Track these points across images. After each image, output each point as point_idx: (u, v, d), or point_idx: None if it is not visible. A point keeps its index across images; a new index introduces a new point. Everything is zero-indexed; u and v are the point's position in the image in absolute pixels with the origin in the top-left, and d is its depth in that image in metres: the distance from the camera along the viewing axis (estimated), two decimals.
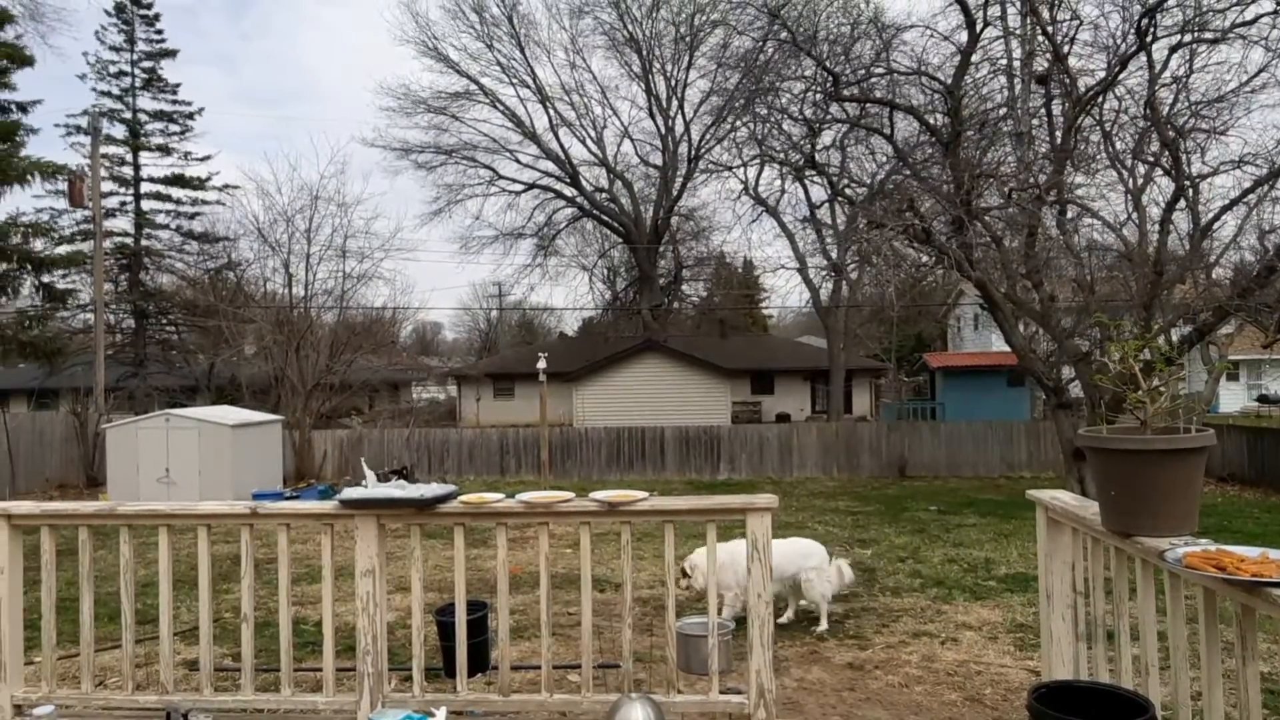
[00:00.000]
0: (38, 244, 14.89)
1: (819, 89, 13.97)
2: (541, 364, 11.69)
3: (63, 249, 21.74)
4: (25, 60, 12.68)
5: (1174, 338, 14.96)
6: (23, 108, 13.10)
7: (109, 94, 29.70)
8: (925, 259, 17.23)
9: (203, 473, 16.48)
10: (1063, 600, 3.13)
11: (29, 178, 12.41)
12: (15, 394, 32.64)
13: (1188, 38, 13.36)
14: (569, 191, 35.21)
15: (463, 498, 3.38)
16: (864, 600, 7.64)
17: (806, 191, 25.38)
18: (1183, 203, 14.02)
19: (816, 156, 17.56)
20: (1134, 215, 14.64)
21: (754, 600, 3.26)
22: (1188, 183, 13.99)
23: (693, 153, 32.95)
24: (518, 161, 34.85)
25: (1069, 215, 15.42)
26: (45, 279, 15.10)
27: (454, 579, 3.50)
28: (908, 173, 15.25)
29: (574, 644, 5.71)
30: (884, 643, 6.27)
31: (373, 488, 3.37)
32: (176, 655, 3.75)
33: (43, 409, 26.81)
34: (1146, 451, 2.42)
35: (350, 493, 3.31)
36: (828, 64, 13.19)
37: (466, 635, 3.62)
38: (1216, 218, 13.74)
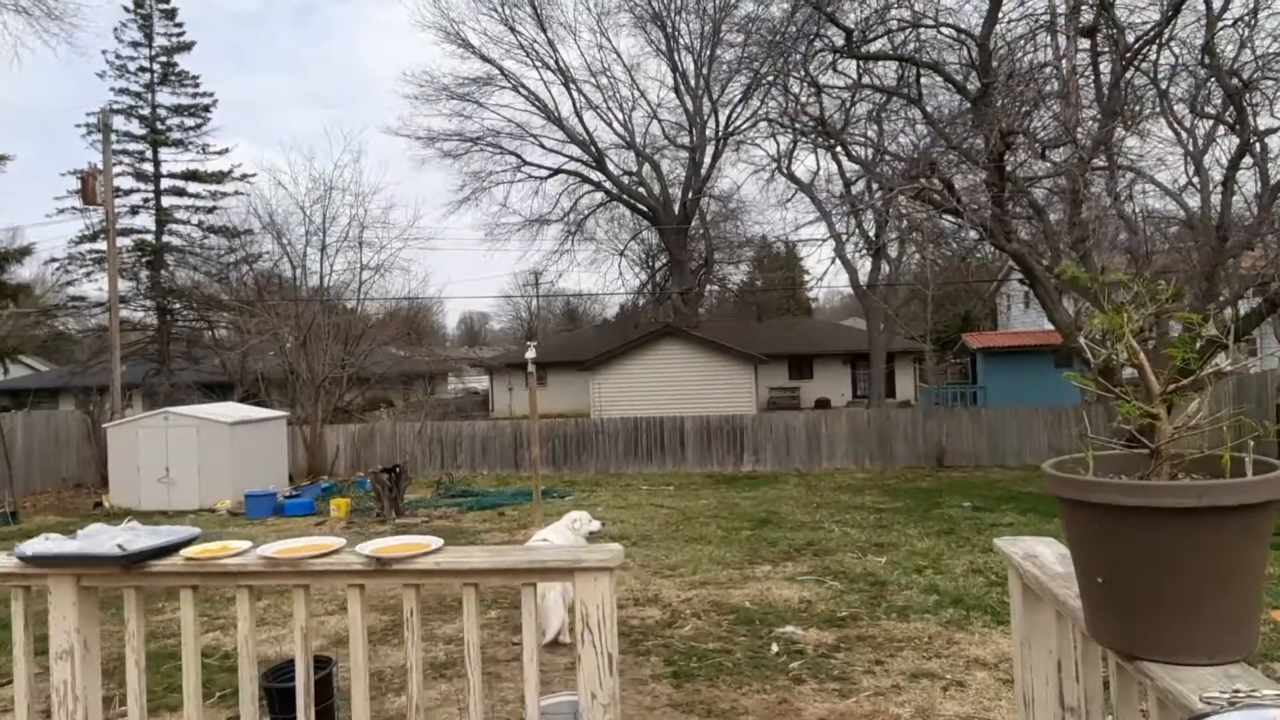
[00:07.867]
0: None
1: (831, 49, 12.72)
2: (530, 354, 10.78)
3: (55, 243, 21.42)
4: None
5: (1240, 311, 13.44)
6: None
7: (128, 91, 29.57)
8: (973, 234, 15.82)
9: (202, 472, 15.95)
10: (1046, 711, 2.04)
11: None
12: (64, 392, 32.92)
13: None
14: (595, 176, 34.22)
15: (193, 550, 2.41)
16: (864, 625, 6.53)
17: (840, 168, 23.99)
18: (1249, 160, 12.52)
19: (839, 124, 16.25)
20: (1195, 179, 13.16)
21: (587, 701, 2.23)
22: (1254, 138, 12.51)
23: (721, 131, 31.66)
24: (543, 147, 34.03)
25: (1121, 181, 13.96)
26: None
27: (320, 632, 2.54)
28: (943, 144, 13.93)
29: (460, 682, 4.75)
30: (873, 687, 5.17)
31: (78, 540, 2.42)
32: None
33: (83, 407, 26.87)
34: (1158, 510, 1.31)
35: (31, 546, 2.37)
36: (838, 19, 11.94)
37: (309, 700, 2.67)
38: None
